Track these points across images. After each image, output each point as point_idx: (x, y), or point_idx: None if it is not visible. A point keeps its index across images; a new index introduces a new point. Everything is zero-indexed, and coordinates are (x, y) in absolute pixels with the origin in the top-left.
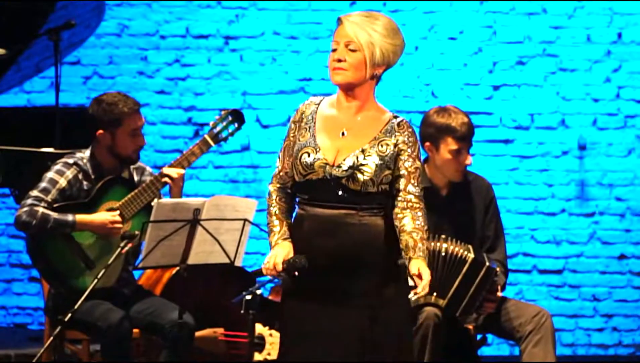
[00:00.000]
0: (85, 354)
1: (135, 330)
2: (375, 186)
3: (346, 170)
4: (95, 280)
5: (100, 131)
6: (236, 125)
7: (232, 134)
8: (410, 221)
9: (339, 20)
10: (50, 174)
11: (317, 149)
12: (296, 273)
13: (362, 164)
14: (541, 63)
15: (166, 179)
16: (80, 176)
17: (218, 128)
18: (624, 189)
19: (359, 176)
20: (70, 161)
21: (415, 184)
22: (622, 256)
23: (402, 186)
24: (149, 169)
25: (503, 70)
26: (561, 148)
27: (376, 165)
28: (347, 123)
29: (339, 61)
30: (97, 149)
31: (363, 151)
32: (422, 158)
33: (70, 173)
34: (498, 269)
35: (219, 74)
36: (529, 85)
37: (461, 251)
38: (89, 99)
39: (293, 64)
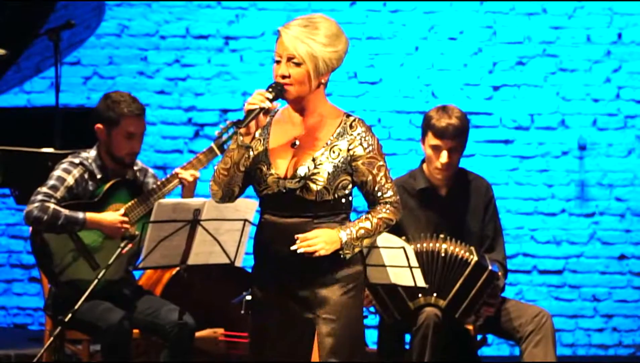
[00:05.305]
0: (85, 354)
1: (135, 330)
2: (331, 193)
3: (299, 181)
4: (96, 281)
5: (99, 126)
6: None
7: None
8: (373, 210)
9: (278, 33)
10: (57, 173)
11: (269, 165)
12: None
13: (313, 174)
14: (541, 63)
15: (184, 180)
16: (86, 176)
17: (224, 138)
18: (624, 190)
19: (312, 185)
20: (76, 160)
21: (385, 186)
22: (622, 257)
23: (373, 193)
24: (151, 171)
25: (503, 70)
26: (561, 148)
27: (329, 173)
28: (298, 133)
29: (283, 77)
30: (101, 150)
31: (314, 159)
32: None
33: (77, 172)
34: (500, 272)
35: (219, 75)
36: (529, 85)
37: (463, 252)
38: (89, 99)
39: None
